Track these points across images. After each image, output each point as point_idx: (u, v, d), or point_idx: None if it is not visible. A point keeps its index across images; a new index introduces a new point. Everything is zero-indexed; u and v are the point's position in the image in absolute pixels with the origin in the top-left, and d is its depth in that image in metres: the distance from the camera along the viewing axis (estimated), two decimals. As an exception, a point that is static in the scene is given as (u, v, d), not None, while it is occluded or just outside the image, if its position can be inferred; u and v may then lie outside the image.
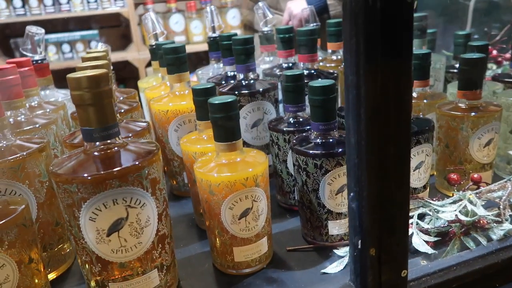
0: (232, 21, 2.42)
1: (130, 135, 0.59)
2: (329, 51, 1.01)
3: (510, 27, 1.02)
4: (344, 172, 0.54)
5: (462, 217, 0.52)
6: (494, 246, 0.49)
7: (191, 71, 1.06)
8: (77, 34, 2.12)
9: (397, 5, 0.34)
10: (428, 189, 0.64)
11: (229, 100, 0.50)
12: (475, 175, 0.63)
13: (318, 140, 0.57)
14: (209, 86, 0.61)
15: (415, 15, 0.92)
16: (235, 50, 0.77)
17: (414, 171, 0.61)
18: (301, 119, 0.66)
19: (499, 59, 1.03)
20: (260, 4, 1.04)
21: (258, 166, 0.51)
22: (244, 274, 0.54)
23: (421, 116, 0.65)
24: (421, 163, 0.61)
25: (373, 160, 0.38)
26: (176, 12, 2.34)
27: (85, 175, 0.42)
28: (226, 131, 0.51)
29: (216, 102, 0.50)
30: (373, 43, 0.35)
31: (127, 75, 2.28)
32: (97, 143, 0.45)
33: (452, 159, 0.68)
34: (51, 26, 2.13)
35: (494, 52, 1.02)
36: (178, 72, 0.74)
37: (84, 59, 0.65)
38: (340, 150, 0.54)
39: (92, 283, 0.47)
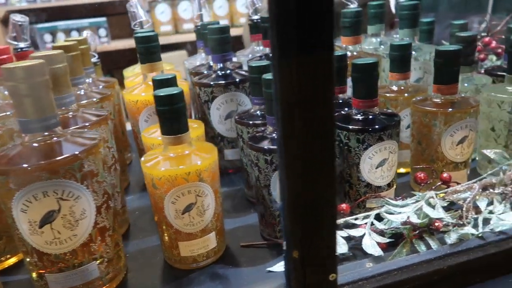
0: (219, 11, 2.38)
1: (87, 124, 0.59)
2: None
3: (510, 18, 0.96)
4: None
5: (414, 219, 0.49)
6: (444, 251, 0.46)
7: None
8: (86, 22, 2.14)
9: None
10: (394, 188, 0.61)
11: (174, 92, 0.49)
12: (445, 175, 0.60)
13: (274, 135, 0.55)
14: (169, 76, 0.60)
15: (405, 3, 0.87)
16: (210, 39, 0.76)
17: (376, 168, 0.58)
18: None
19: (499, 50, 0.97)
20: None
21: (203, 161, 0.50)
22: (192, 268, 0.53)
23: (389, 110, 0.62)
24: (384, 161, 0.58)
25: (293, 159, 0.36)
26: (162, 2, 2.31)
27: (14, 167, 0.42)
28: (172, 124, 0.50)
29: (161, 94, 0.49)
30: (287, 37, 0.33)
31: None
32: (35, 134, 0.45)
33: (424, 157, 0.65)
34: (60, 13, 2.15)
35: (494, 43, 0.97)
36: (149, 62, 0.73)
37: (55, 48, 0.65)
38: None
39: (33, 274, 0.47)
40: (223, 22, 1.10)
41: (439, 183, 0.60)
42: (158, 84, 0.59)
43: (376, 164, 0.58)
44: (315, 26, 0.33)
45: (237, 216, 0.66)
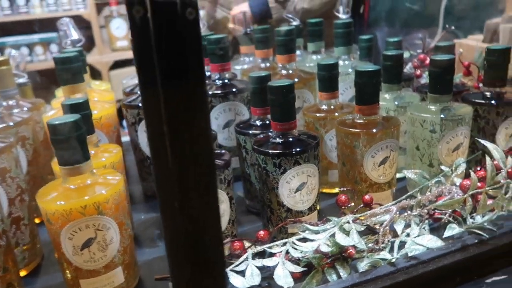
0: None
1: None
2: (258, 59, 0.97)
3: (445, 34, 0.98)
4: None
5: (324, 248, 0.48)
6: (353, 280, 0.45)
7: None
8: (36, 37, 2.07)
9: (172, 24, 0.30)
10: (316, 212, 0.60)
11: (69, 120, 0.46)
12: (366, 196, 0.59)
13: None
14: (81, 100, 0.57)
15: (339, 21, 0.88)
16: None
17: (295, 193, 0.57)
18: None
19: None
20: None
21: (105, 192, 0.47)
22: (97, 307, 0.50)
23: (310, 132, 0.61)
24: (303, 185, 0.56)
25: (169, 195, 0.34)
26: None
27: None
28: (68, 154, 0.47)
29: (54, 123, 0.46)
30: (149, 66, 0.31)
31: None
32: None
33: (349, 178, 0.64)
34: (8, 29, 2.08)
35: (428, 60, 0.98)
36: (70, 83, 0.70)
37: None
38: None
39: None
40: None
41: (361, 206, 0.59)
42: (68, 109, 0.56)
43: (295, 188, 0.56)
44: (181, 54, 0.32)
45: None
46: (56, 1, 2.09)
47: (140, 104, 0.73)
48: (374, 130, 0.60)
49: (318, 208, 0.61)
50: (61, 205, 0.45)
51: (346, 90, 0.87)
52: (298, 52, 1.07)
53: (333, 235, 0.50)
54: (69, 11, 2.13)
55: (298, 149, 0.55)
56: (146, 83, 0.32)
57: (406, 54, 1.03)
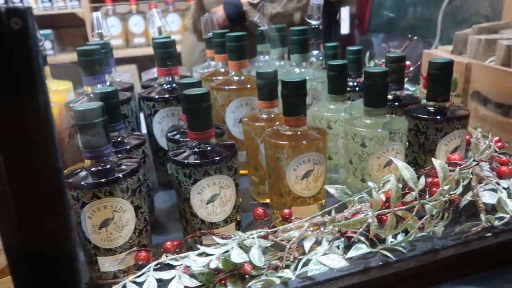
0: (171, 26, 2.38)
1: None
2: (219, 63, 0.96)
3: (409, 43, 0.95)
4: (106, 205, 0.50)
5: (213, 264, 0.46)
6: (237, 299, 0.44)
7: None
8: (30, 34, 2.09)
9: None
10: (234, 224, 0.59)
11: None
12: (285, 211, 0.57)
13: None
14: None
15: (294, 28, 0.86)
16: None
17: (207, 204, 0.55)
18: None
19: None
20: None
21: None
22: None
23: (229, 142, 0.59)
24: (215, 196, 0.55)
25: (6, 211, 0.33)
26: (136, 14, 2.30)
27: None
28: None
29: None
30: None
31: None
32: None
33: (274, 190, 0.62)
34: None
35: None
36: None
37: None
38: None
39: None
40: (176, 37, 1.13)
41: (279, 220, 0.57)
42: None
43: (206, 199, 0.55)
44: (7, 66, 0.31)
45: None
46: (51, -1, 2.12)
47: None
48: (294, 143, 0.58)
49: (238, 219, 0.60)
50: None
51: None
52: (267, 58, 1.06)
53: (227, 251, 0.48)
54: (64, 9, 2.15)
55: (207, 160, 0.53)
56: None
57: (371, 63, 1.00)
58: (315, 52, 1.12)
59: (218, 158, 0.54)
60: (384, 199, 0.51)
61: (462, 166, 0.53)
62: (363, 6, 2.60)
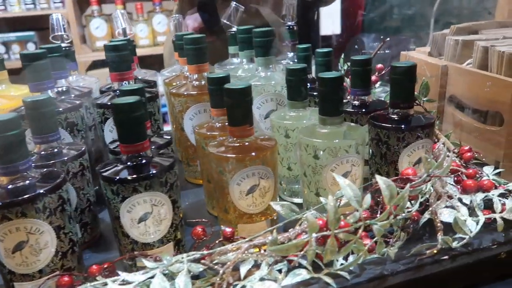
0: (158, 27, 2.33)
1: None
2: (184, 67, 0.92)
3: (383, 45, 0.90)
4: (18, 227, 0.45)
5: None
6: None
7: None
8: (13, 35, 2.07)
9: None
10: (172, 244, 0.54)
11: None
12: (227, 229, 0.52)
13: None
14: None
15: (257, 30, 0.81)
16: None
17: (139, 223, 0.51)
18: None
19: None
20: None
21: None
22: None
23: (171, 155, 0.55)
24: (147, 215, 0.50)
25: None
26: (123, 15, 2.25)
27: None
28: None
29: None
30: None
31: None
32: None
33: (219, 206, 0.58)
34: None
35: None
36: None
37: None
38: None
39: None
40: (162, 39, 1.09)
41: (219, 240, 0.52)
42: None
43: (138, 218, 0.50)
44: None
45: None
46: (34, 0, 2.08)
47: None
48: (236, 155, 0.53)
49: (178, 237, 0.55)
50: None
51: (263, 104, 0.80)
52: (237, 60, 1.01)
53: (151, 277, 0.44)
54: (47, 10, 2.11)
55: (135, 176, 0.49)
56: None
57: (345, 66, 0.95)
58: (290, 55, 1.08)
59: (148, 173, 0.49)
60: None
61: (413, 182, 0.48)
62: (356, 6, 2.55)
